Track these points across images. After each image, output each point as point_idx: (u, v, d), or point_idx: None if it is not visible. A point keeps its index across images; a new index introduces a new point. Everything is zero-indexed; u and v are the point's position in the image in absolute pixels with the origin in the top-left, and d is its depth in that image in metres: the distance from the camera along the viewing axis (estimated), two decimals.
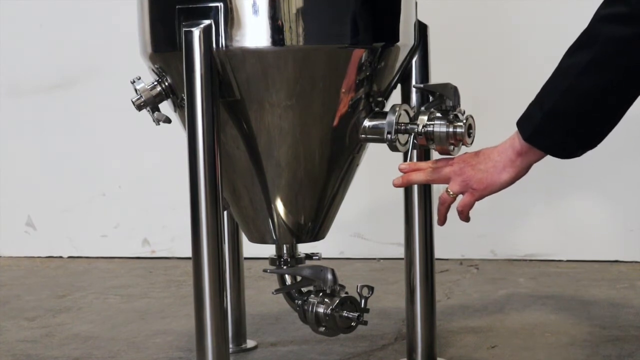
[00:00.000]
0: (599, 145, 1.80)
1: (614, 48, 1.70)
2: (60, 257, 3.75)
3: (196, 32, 1.83)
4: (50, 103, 3.72)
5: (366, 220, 3.52)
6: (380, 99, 2.01)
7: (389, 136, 1.95)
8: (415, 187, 2.11)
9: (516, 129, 1.86)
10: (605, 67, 1.71)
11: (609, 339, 2.37)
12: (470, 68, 3.35)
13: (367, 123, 1.99)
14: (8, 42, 3.73)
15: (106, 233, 3.72)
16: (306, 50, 1.87)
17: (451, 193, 1.93)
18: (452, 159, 1.96)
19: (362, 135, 2.00)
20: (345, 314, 2.01)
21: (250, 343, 2.42)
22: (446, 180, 1.95)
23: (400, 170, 2.00)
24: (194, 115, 1.85)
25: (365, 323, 2.03)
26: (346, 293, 2.04)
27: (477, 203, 1.94)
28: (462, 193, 1.93)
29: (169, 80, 1.97)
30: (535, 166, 1.89)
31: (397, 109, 1.96)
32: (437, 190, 2.03)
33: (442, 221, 1.99)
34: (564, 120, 1.77)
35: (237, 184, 2.03)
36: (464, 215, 1.95)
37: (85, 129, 3.70)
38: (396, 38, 1.96)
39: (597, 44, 1.71)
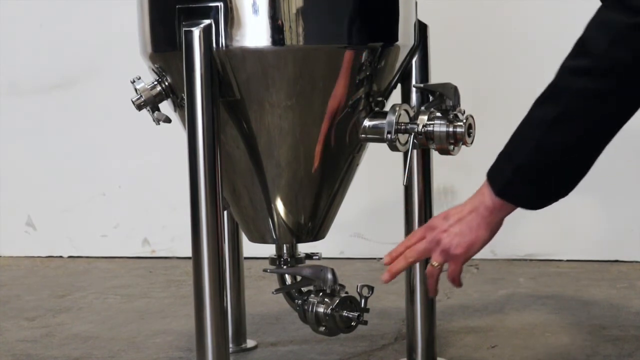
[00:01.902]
0: None
1: (579, 102, 1.68)
2: (60, 257, 3.75)
3: (196, 32, 1.83)
4: (50, 103, 3.72)
5: (366, 220, 3.52)
6: (380, 98, 2.01)
7: (389, 136, 1.95)
8: (415, 188, 2.11)
9: (486, 177, 1.82)
10: (572, 122, 1.69)
11: (609, 339, 2.37)
12: (470, 68, 3.35)
13: (367, 123, 1.99)
14: (8, 42, 3.73)
15: (106, 233, 3.72)
16: (306, 50, 1.87)
17: (435, 264, 1.89)
18: (422, 231, 1.92)
19: (362, 135, 2.00)
20: (345, 313, 2.01)
21: (250, 343, 2.42)
22: (426, 255, 1.90)
23: (385, 264, 1.95)
24: (194, 115, 1.85)
25: (365, 323, 2.03)
26: (346, 293, 2.03)
27: None
28: (446, 261, 1.89)
29: (169, 80, 1.97)
30: None
31: (397, 108, 1.96)
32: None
33: (434, 293, 1.97)
34: (534, 174, 1.75)
35: (237, 184, 2.03)
36: (457, 283, 1.92)
37: (85, 129, 3.70)
38: (396, 38, 1.96)
39: (563, 98, 1.69)
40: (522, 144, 1.75)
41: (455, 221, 1.85)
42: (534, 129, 1.74)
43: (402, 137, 1.96)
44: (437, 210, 2.05)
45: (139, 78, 1.98)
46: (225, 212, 2.16)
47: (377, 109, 2.00)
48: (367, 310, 2.04)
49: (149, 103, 1.98)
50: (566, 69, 1.70)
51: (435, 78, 2.10)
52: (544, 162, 1.74)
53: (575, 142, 1.71)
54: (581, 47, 1.68)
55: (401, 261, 1.92)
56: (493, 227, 1.84)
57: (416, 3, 2.04)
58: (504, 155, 1.78)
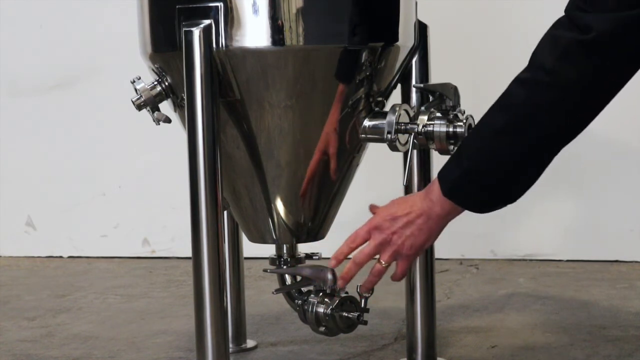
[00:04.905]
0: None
1: (526, 113, 1.73)
2: (60, 257, 3.75)
3: (196, 32, 1.83)
4: (50, 103, 3.72)
5: (366, 220, 3.51)
6: (380, 99, 2.01)
7: (389, 136, 1.96)
8: (415, 188, 2.11)
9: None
10: (518, 132, 1.74)
11: (609, 339, 2.37)
12: (470, 68, 3.35)
13: (367, 123, 1.99)
14: (8, 42, 3.73)
15: (106, 233, 3.72)
16: (306, 50, 1.87)
17: (384, 264, 1.92)
18: (366, 231, 1.96)
19: (362, 135, 2.00)
20: (345, 314, 2.01)
21: (250, 343, 2.42)
22: (373, 255, 1.94)
23: (332, 267, 1.99)
24: (194, 115, 1.85)
25: (365, 323, 2.03)
26: (346, 293, 2.03)
27: None
28: (395, 261, 1.93)
29: (169, 80, 1.97)
30: None
31: (397, 108, 1.96)
32: None
33: (366, 290, 1.98)
34: (481, 178, 1.79)
35: (237, 184, 2.03)
36: (399, 279, 1.95)
37: (85, 129, 3.70)
38: (396, 38, 1.96)
39: (511, 108, 1.75)
40: (472, 149, 1.81)
41: (405, 223, 1.90)
42: (483, 134, 1.80)
43: (402, 137, 1.97)
44: None
45: (139, 78, 1.98)
46: (225, 212, 2.16)
47: (377, 109, 2.00)
48: (367, 311, 2.03)
49: (149, 103, 1.98)
50: (518, 80, 1.77)
51: (435, 78, 2.10)
52: (488, 166, 1.78)
53: (521, 151, 1.76)
54: (532, 60, 1.76)
55: (353, 268, 1.96)
56: (439, 230, 1.89)
57: (416, 3, 2.04)
58: (456, 158, 1.83)
